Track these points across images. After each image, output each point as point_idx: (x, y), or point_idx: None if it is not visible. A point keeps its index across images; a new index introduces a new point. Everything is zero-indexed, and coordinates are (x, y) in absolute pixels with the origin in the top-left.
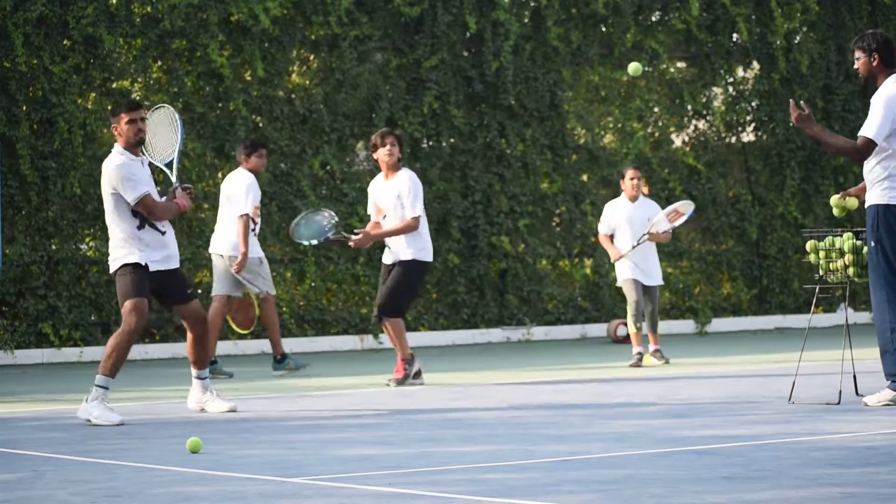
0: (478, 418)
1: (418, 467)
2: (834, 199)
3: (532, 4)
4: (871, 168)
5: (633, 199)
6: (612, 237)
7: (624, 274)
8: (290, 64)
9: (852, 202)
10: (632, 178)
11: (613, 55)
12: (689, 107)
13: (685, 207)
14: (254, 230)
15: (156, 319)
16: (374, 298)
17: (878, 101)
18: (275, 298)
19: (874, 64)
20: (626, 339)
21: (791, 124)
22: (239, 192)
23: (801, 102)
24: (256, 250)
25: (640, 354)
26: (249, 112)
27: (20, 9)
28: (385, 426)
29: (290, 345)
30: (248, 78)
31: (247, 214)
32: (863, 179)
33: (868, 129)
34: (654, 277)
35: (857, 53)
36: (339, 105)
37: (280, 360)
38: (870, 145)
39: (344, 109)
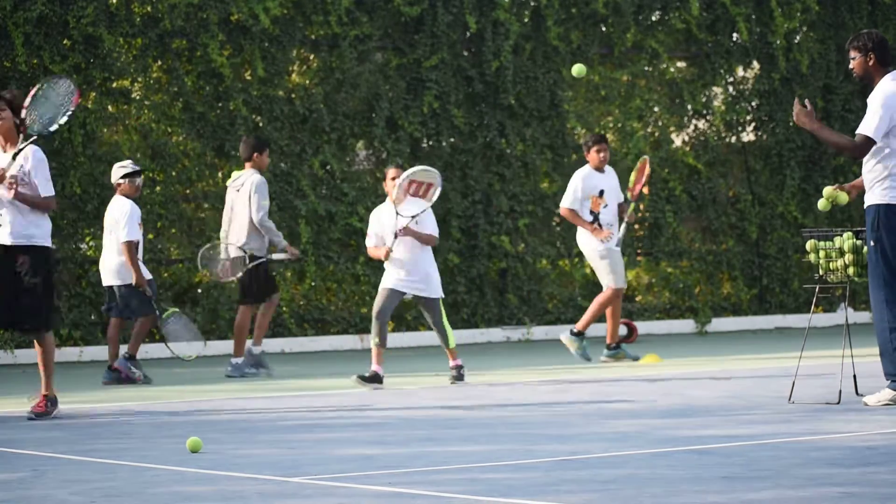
0: (478, 418)
1: (418, 467)
2: (828, 190)
3: (532, 4)
4: (871, 167)
5: (395, 202)
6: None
7: (383, 282)
8: (290, 63)
9: (843, 197)
10: (392, 178)
11: (613, 55)
12: (689, 106)
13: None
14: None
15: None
16: (373, 298)
17: (875, 100)
18: (619, 292)
19: (870, 63)
20: (626, 339)
21: (791, 122)
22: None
23: (806, 101)
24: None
25: (376, 374)
26: (249, 112)
27: (20, 8)
28: (385, 426)
29: (289, 344)
30: (248, 77)
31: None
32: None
33: (866, 128)
34: (430, 289)
35: (853, 53)
36: (339, 105)
37: (614, 348)
38: (868, 143)
39: (344, 109)
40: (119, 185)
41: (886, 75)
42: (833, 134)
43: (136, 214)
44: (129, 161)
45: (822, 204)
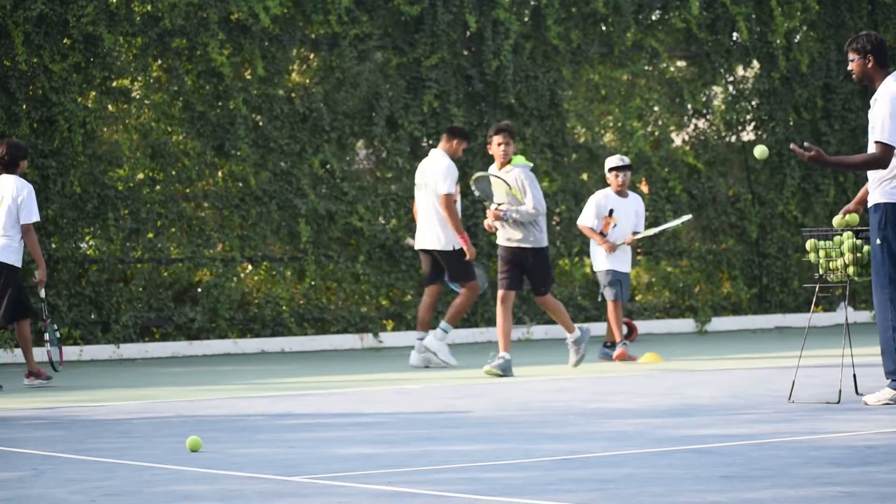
0: (477, 417)
1: (418, 466)
2: (837, 220)
3: (532, 3)
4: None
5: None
6: None
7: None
8: (290, 62)
9: (853, 218)
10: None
11: (613, 54)
12: (689, 106)
13: None
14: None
15: (156, 318)
16: (374, 297)
17: (884, 104)
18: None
19: (869, 65)
20: (626, 338)
21: (791, 122)
22: None
23: (805, 144)
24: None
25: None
26: (249, 111)
27: (20, 7)
28: (385, 425)
29: (289, 344)
30: (248, 76)
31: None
32: (863, 181)
33: (884, 135)
34: None
35: (852, 55)
36: (339, 104)
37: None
38: (889, 150)
39: (344, 108)
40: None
41: (888, 77)
42: (850, 158)
43: (597, 204)
44: (618, 156)
45: (759, 152)
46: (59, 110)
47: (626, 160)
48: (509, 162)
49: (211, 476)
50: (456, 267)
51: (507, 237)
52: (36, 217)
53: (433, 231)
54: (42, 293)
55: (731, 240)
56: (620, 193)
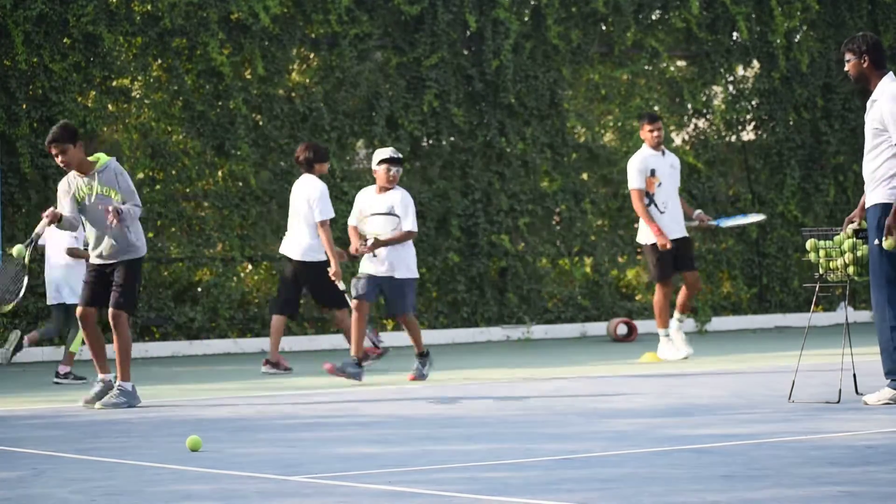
0: (478, 417)
1: (418, 466)
2: (889, 243)
3: (532, 3)
4: (878, 166)
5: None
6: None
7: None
8: (290, 62)
9: (890, 243)
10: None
11: (613, 54)
12: (690, 105)
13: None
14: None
15: (156, 317)
16: None
17: (886, 105)
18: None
19: (864, 66)
20: (626, 338)
21: (791, 122)
22: None
23: (885, 234)
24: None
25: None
26: (249, 110)
27: (20, 7)
28: (385, 424)
29: (289, 343)
30: (248, 76)
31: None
32: (864, 182)
33: None
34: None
35: (848, 56)
36: (339, 103)
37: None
38: None
39: (344, 108)
40: None
41: (885, 77)
42: None
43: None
44: (391, 148)
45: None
46: (59, 110)
47: (399, 154)
48: (92, 165)
49: (211, 476)
50: (650, 261)
51: (110, 246)
52: (328, 214)
53: (640, 226)
54: (341, 286)
55: (731, 240)
56: (384, 189)
